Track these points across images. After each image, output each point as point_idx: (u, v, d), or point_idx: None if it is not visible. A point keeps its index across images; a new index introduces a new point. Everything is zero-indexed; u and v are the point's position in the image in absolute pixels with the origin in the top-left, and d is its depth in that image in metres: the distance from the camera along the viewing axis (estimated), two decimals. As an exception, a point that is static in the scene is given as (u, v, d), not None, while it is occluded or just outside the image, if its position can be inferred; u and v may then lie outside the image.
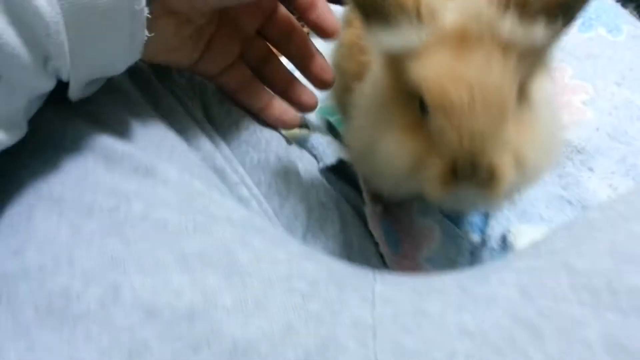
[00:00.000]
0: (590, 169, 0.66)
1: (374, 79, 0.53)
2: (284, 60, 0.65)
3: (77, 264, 0.37)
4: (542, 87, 0.48)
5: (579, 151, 0.68)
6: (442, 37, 0.43)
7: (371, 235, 0.61)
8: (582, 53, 0.78)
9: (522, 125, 0.45)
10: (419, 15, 0.43)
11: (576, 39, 0.81)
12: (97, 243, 0.38)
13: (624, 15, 0.86)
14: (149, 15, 0.42)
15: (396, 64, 0.46)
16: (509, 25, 0.41)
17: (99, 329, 0.34)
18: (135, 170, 0.44)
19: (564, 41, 0.78)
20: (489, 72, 0.42)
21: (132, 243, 0.39)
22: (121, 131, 0.48)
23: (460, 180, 0.44)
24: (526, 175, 0.46)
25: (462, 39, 0.43)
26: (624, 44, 0.79)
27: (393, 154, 0.48)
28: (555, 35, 0.43)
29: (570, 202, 0.64)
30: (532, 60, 0.43)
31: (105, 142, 0.45)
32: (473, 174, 0.43)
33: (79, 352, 0.33)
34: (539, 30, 0.41)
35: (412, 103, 0.46)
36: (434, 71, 0.43)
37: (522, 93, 0.45)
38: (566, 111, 0.71)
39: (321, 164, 0.65)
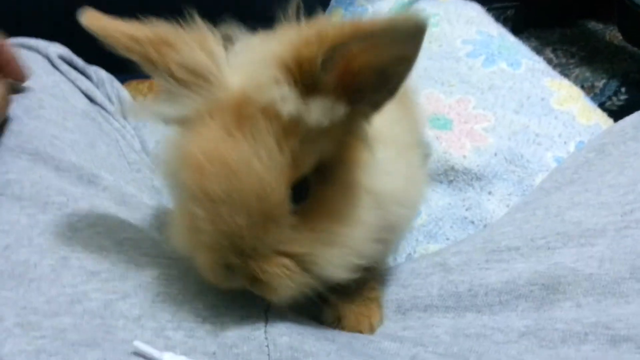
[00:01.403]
0: (490, 193, 0.69)
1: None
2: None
3: (35, 243, 0.47)
4: (377, 158, 0.43)
5: (478, 177, 0.71)
6: (218, 110, 0.38)
7: None
8: (485, 85, 0.83)
9: (321, 217, 0.40)
10: (202, 80, 0.39)
11: (480, 73, 0.86)
12: (50, 229, 0.49)
13: (524, 50, 0.92)
14: None
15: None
16: (287, 101, 0.36)
17: (48, 285, 0.44)
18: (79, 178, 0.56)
19: (468, 75, 0.84)
20: (253, 158, 0.36)
21: (78, 230, 0.50)
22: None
23: (228, 276, 0.40)
24: (322, 275, 0.40)
25: (238, 115, 0.37)
26: (522, 75, 0.84)
27: (174, 232, 0.44)
28: (366, 109, 0.40)
29: (472, 222, 0.67)
30: (331, 137, 0.39)
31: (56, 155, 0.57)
32: (233, 276, 0.39)
33: (31, 302, 0.42)
34: (326, 108, 0.37)
35: None
36: (195, 150, 0.37)
37: (327, 173, 0.41)
38: (469, 139, 0.75)
39: None
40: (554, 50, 2.20)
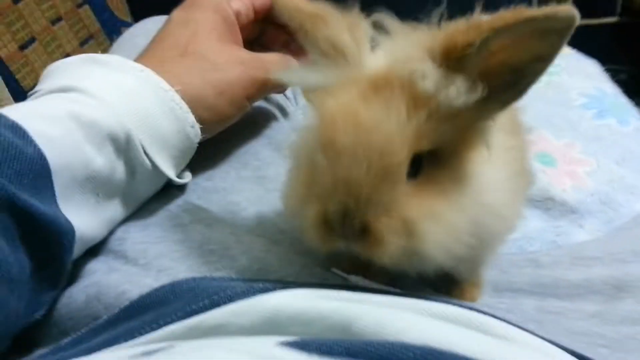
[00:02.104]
0: (581, 226, 0.79)
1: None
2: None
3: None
4: (487, 167, 0.46)
5: (573, 211, 0.80)
6: (356, 80, 0.41)
7: None
8: (592, 135, 0.92)
9: (429, 194, 0.42)
10: (342, 57, 0.43)
11: (589, 124, 0.95)
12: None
13: (635, 112, 1.00)
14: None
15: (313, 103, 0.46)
16: (428, 77, 0.39)
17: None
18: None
19: (578, 123, 0.93)
20: (383, 120, 0.39)
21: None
22: None
23: (333, 231, 0.42)
24: (421, 249, 0.42)
25: (374, 85, 0.40)
26: (629, 133, 0.93)
27: (286, 191, 0.47)
28: (493, 105, 0.42)
29: (560, 247, 0.76)
30: (455, 125, 0.42)
31: None
32: (344, 227, 0.41)
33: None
34: (463, 91, 0.39)
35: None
36: (331, 109, 0.41)
37: (441, 161, 0.43)
38: (570, 178, 0.85)
39: None
40: (660, 120, 2.21)
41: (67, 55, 1.39)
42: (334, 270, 0.54)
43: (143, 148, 0.57)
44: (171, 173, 0.61)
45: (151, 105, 0.57)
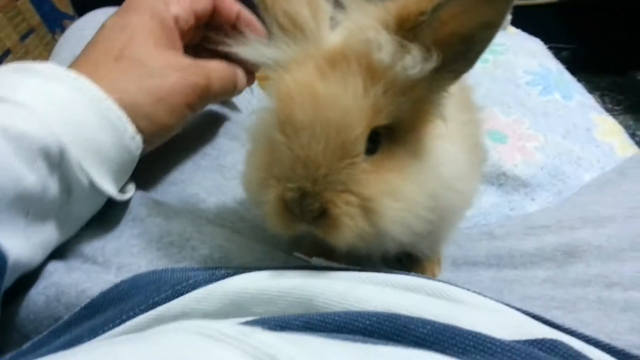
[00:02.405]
0: (533, 199, 0.82)
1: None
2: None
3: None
4: (443, 142, 0.46)
5: (525, 185, 0.83)
6: (314, 55, 0.41)
7: None
8: (539, 111, 0.95)
9: (387, 170, 0.42)
10: (300, 33, 0.42)
11: (536, 100, 0.98)
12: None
13: (578, 87, 1.04)
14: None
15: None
16: (383, 48, 0.39)
17: None
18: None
19: (525, 100, 0.96)
20: (340, 95, 0.39)
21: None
22: None
23: (294, 215, 0.42)
24: (380, 227, 0.42)
25: (331, 59, 0.40)
26: (573, 107, 0.96)
27: (246, 174, 0.47)
28: (446, 76, 0.42)
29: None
30: (410, 98, 0.42)
31: None
32: (302, 211, 0.41)
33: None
34: (418, 61, 0.39)
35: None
36: (288, 85, 0.41)
37: (398, 136, 0.43)
38: (521, 153, 0.87)
39: None
40: (601, 96, 2.30)
41: (8, 50, 1.34)
42: (296, 254, 0.54)
43: (79, 163, 0.53)
44: (111, 189, 0.57)
45: (86, 115, 0.53)
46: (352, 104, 0.39)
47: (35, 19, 1.47)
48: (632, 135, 1.74)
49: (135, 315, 0.44)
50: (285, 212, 0.42)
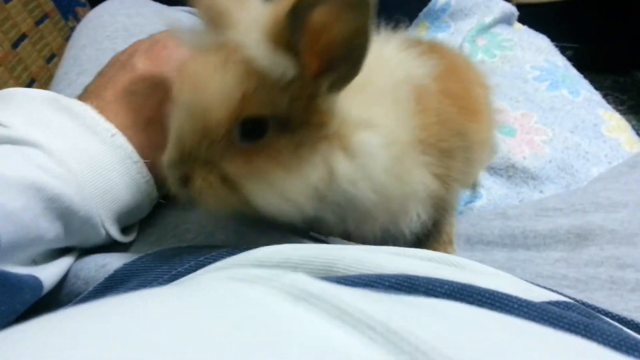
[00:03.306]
0: (541, 191, 0.83)
1: None
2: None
3: None
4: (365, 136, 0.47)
5: (533, 177, 0.85)
6: (218, 47, 0.46)
7: None
8: (547, 106, 0.97)
9: (260, 157, 0.46)
10: (221, 25, 0.47)
11: (544, 95, 1.00)
12: None
13: (584, 83, 1.06)
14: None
15: None
16: (253, 48, 0.42)
17: None
18: None
19: (533, 95, 0.98)
20: (215, 83, 0.43)
21: None
22: None
23: (168, 175, 0.48)
24: (248, 201, 0.47)
25: (225, 52, 0.44)
26: (580, 103, 0.98)
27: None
28: (333, 78, 0.45)
29: (523, 209, 0.80)
30: (293, 95, 0.45)
31: None
32: (171, 175, 0.47)
33: None
34: (290, 66, 0.42)
35: None
36: (184, 68, 0.46)
37: (289, 129, 0.46)
38: (529, 146, 0.89)
39: None
40: (604, 96, 2.31)
41: (24, 35, 1.35)
42: (312, 234, 0.56)
43: (101, 223, 0.54)
44: (123, 238, 0.59)
45: (117, 178, 0.54)
46: (220, 91, 0.43)
47: (49, 4, 1.48)
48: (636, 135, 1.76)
49: (159, 285, 0.45)
50: (166, 174, 0.48)
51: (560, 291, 0.43)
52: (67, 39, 1.53)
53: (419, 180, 0.54)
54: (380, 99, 0.49)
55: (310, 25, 0.41)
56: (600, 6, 2.28)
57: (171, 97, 0.47)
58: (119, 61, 0.62)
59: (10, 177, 0.47)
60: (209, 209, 0.48)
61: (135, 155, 0.56)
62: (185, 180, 0.47)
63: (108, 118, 0.56)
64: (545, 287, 0.43)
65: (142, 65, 0.60)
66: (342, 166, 0.47)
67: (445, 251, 0.64)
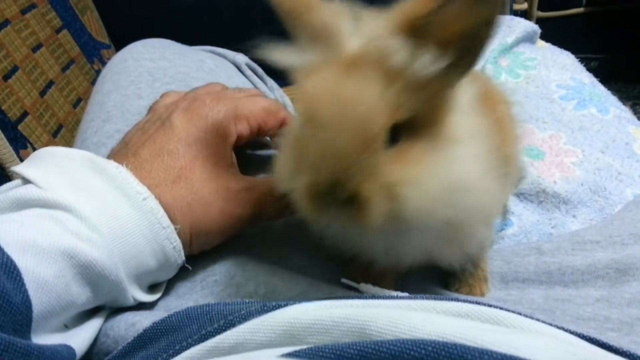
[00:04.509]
0: (574, 216, 0.81)
1: None
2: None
3: None
4: (461, 137, 0.48)
5: (565, 202, 0.83)
6: (337, 60, 0.45)
7: None
8: (576, 126, 0.95)
9: (408, 161, 0.45)
10: (325, 40, 0.46)
11: (571, 115, 0.98)
12: None
13: (612, 99, 1.04)
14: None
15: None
16: (398, 52, 0.42)
17: None
18: None
19: (561, 115, 0.96)
20: (362, 93, 0.42)
21: None
22: None
23: (323, 198, 0.45)
24: (407, 213, 0.45)
25: (353, 63, 0.44)
26: (610, 121, 0.96)
27: (277, 169, 0.50)
28: (455, 72, 0.45)
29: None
30: (426, 94, 0.45)
31: None
32: (334, 195, 0.44)
33: None
34: (430, 61, 0.43)
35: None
36: (311, 86, 0.44)
37: (417, 130, 0.46)
38: (559, 169, 0.87)
39: None
40: (633, 105, 2.27)
41: (51, 82, 1.39)
42: (343, 280, 0.55)
43: (126, 289, 0.55)
44: (149, 298, 0.59)
45: (144, 244, 0.54)
46: (372, 102, 0.42)
47: (75, 50, 1.52)
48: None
49: (188, 346, 0.45)
50: (315, 198, 0.45)
51: (603, 335, 0.41)
52: (92, 82, 1.56)
53: (495, 192, 0.54)
54: (467, 111, 0.50)
55: (447, 18, 0.42)
56: (623, 15, 2.24)
57: (303, 119, 0.45)
58: (160, 119, 0.63)
59: (43, 245, 0.48)
60: (369, 224, 0.45)
61: (165, 220, 0.55)
62: (352, 198, 0.44)
63: (141, 177, 0.56)
64: (588, 338, 0.41)
65: (179, 123, 0.61)
66: (459, 168, 0.47)
67: (481, 289, 0.63)
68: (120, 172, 0.55)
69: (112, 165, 0.56)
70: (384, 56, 0.43)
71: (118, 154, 0.60)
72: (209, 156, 0.61)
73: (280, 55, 0.48)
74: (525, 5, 2.01)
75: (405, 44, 0.43)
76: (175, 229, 0.56)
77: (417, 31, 0.43)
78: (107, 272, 0.51)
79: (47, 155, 0.56)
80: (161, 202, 0.56)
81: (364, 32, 0.46)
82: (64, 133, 1.41)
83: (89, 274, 0.51)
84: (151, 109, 0.68)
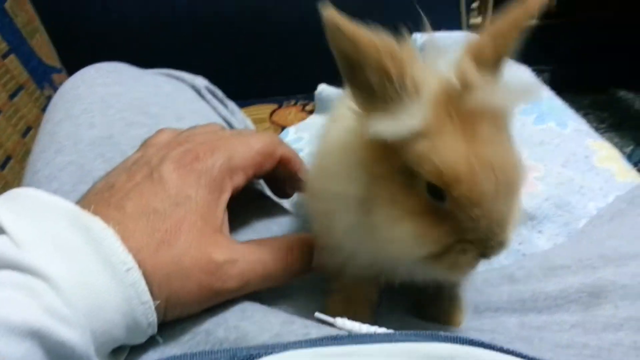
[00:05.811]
0: (540, 232, 0.82)
1: (345, 164, 0.48)
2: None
3: None
4: None
5: (531, 218, 0.83)
6: (439, 113, 0.40)
7: None
8: (536, 140, 0.96)
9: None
10: (406, 89, 0.39)
11: (531, 130, 0.99)
12: None
13: (570, 112, 1.06)
14: None
15: (391, 146, 0.41)
16: (491, 90, 0.40)
17: None
18: None
19: (521, 130, 0.97)
20: (501, 150, 0.41)
21: None
22: None
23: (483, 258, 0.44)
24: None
25: (466, 120, 0.40)
26: (569, 135, 0.97)
27: (414, 240, 0.44)
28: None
29: (524, 255, 0.78)
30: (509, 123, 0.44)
31: None
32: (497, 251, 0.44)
33: None
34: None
35: (415, 185, 0.42)
36: (450, 157, 0.39)
37: None
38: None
39: None
40: (585, 115, 2.33)
41: (-1, 110, 1.33)
42: (317, 315, 0.53)
43: None
44: None
45: (120, 319, 0.50)
46: (516, 159, 0.43)
47: (24, 75, 1.46)
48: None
49: None
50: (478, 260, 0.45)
51: None
52: (43, 108, 1.50)
53: None
54: None
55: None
56: (573, 26, 2.32)
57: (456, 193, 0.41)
58: (148, 164, 0.58)
59: (13, 322, 0.43)
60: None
61: (146, 295, 0.50)
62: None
63: (124, 237, 0.51)
64: None
65: (169, 178, 0.56)
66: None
67: (458, 320, 0.61)
68: (106, 234, 0.50)
69: (98, 225, 0.50)
70: (493, 107, 0.41)
71: (101, 198, 0.55)
72: (197, 220, 0.55)
73: (383, 126, 0.40)
74: (479, 19, 2.05)
75: (494, 80, 0.42)
76: (154, 303, 0.51)
77: (499, 65, 0.43)
78: (77, 352, 0.46)
79: (27, 199, 0.50)
80: (142, 271, 0.51)
81: (443, 76, 0.42)
82: (12, 165, 1.34)
83: (58, 353, 0.46)
84: (143, 144, 0.63)
